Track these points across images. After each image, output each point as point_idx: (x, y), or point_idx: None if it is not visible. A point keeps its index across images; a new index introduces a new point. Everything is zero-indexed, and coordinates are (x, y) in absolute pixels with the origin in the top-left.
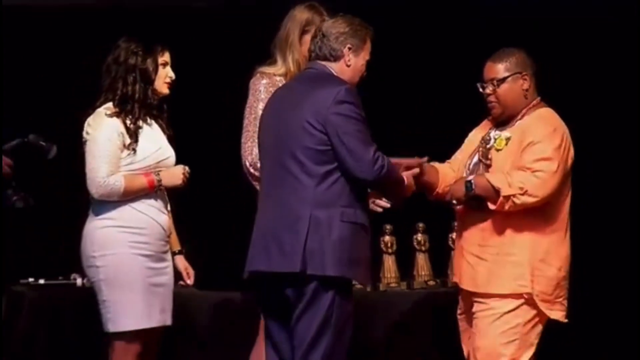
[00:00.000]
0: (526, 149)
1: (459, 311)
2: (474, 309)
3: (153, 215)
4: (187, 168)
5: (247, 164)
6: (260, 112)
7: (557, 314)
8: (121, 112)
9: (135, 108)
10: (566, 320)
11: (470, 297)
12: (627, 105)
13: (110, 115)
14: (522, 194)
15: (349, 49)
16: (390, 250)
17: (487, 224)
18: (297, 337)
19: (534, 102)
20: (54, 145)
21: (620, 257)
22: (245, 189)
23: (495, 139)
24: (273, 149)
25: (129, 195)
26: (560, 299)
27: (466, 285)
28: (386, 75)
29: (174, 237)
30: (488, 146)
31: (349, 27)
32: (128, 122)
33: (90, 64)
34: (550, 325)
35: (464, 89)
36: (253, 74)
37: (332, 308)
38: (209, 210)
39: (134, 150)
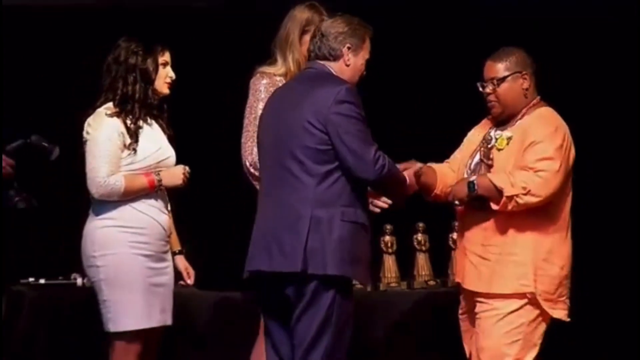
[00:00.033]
0: (528, 149)
1: (460, 311)
2: (477, 309)
3: (153, 215)
4: (187, 168)
5: (248, 163)
6: (260, 112)
7: (560, 313)
8: (121, 112)
9: (135, 108)
10: (569, 319)
11: (473, 297)
12: (627, 105)
13: (111, 115)
14: (525, 194)
15: (348, 48)
16: (390, 250)
17: (489, 224)
18: (297, 336)
19: (534, 101)
20: (57, 147)
21: (620, 256)
22: (245, 189)
23: (497, 139)
24: (273, 149)
25: (130, 195)
26: (563, 298)
27: (469, 285)
28: (386, 75)
29: (174, 237)
30: (489, 146)
31: (348, 26)
32: (128, 122)
33: (90, 64)
34: (550, 325)
35: (463, 89)
36: (253, 73)
37: (332, 307)
38: (209, 210)
39: (135, 150)
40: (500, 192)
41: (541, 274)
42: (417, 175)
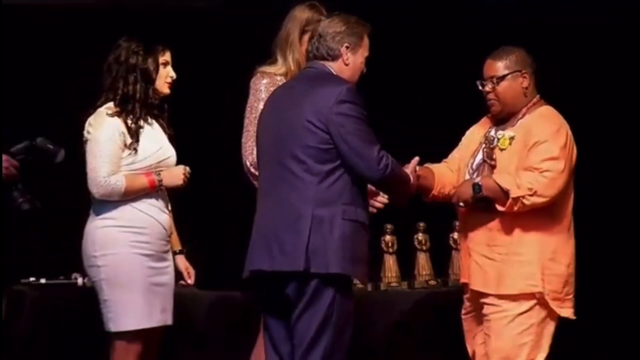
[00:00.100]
0: (532, 149)
1: (463, 311)
2: (485, 311)
3: (154, 214)
4: (187, 168)
5: (248, 163)
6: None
7: (568, 311)
8: (122, 111)
9: (136, 108)
10: (575, 318)
11: (479, 297)
12: (627, 105)
13: (112, 115)
14: (532, 195)
15: (347, 47)
16: (391, 250)
17: (494, 224)
18: (297, 336)
19: (534, 100)
20: (62, 149)
21: (620, 256)
22: (245, 189)
23: (499, 139)
24: (272, 148)
25: (130, 195)
26: (570, 297)
27: (475, 285)
28: (386, 75)
29: (175, 236)
30: (492, 146)
31: (345, 25)
32: (129, 121)
33: (90, 64)
34: (558, 324)
35: (463, 89)
36: (253, 73)
37: (332, 306)
38: (209, 210)
39: (135, 150)
40: (506, 193)
41: (548, 273)
42: (416, 177)
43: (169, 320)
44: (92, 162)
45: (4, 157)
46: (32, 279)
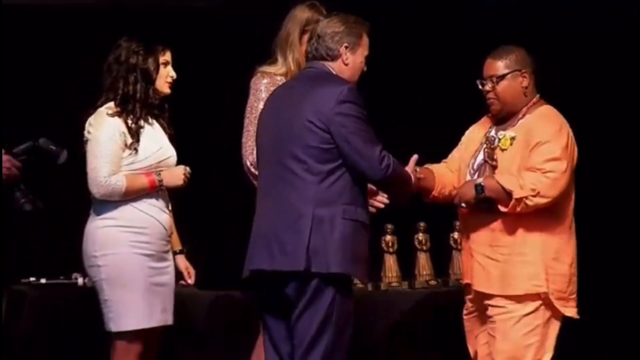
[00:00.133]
0: (534, 150)
1: (465, 311)
2: (490, 312)
3: (154, 214)
4: (188, 168)
5: (248, 163)
6: None
7: (572, 311)
8: (123, 111)
9: (136, 108)
10: (578, 317)
11: (483, 298)
12: (627, 105)
13: (112, 115)
14: (535, 196)
15: (346, 47)
16: (391, 250)
17: (496, 224)
18: (297, 335)
19: (534, 99)
20: (64, 150)
21: (621, 256)
22: (245, 189)
23: (500, 139)
24: (272, 148)
25: (130, 195)
26: (573, 296)
27: (479, 286)
28: (386, 75)
29: (175, 236)
30: (493, 146)
31: (344, 25)
32: (129, 121)
33: (90, 64)
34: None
35: (463, 89)
36: (254, 73)
37: (332, 306)
38: (209, 210)
39: (136, 149)
40: (509, 194)
41: (552, 272)
42: (416, 178)
43: (169, 320)
44: (92, 162)
45: (6, 157)
46: (32, 278)
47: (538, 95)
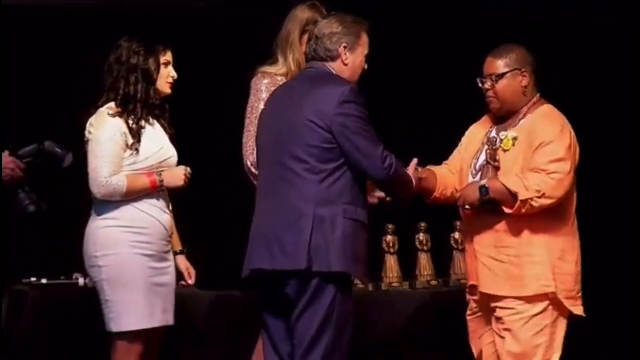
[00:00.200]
0: (537, 150)
1: (468, 312)
2: (498, 314)
3: (155, 214)
4: (188, 169)
5: (249, 163)
6: None
7: (579, 309)
8: (123, 111)
9: (137, 108)
10: (584, 315)
11: (489, 299)
12: (627, 105)
13: (113, 115)
14: (540, 197)
15: (345, 47)
16: (392, 250)
17: (501, 225)
18: (298, 335)
19: (534, 99)
20: (69, 153)
21: (621, 256)
22: (245, 189)
23: (502, 140)
24: (272, 148)
25: (131, 195)
26: (579, 294)
27: (486, 288)
28: (386, 75)
29: (176, 236)
30: (494, 147)
31: (341, 25)
32: (130, 121)
33: (90, 64)
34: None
35: (463, 89)
36: (254, 73)
37: (333, 305)
38: (209, 210)
39: (137, 150)
40: (514, 195)
41: (558, 272)
42: (417, 178)
43: (170, 320)
44: (93, 162)
45: (11, 159)
46: (33, 279)
47: (538, 95)
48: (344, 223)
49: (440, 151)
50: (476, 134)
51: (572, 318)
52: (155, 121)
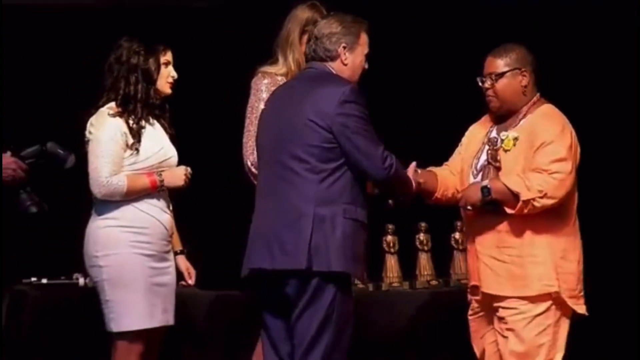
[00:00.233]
0: (539, 150)
1: (470, 312)
2: (501, 314)
3: (155, 214)
4: (189, 169)
5: (249, 163)
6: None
7: (582, 308)
8: (124, 111)
9: (137, 108)
10: (587, 314)
11: (492, 299)
12: (627, 105)
13: (113, 115)
14: (542, 197)
15: (344, 47)
16: (392, 250)
17: (503, 226)
18: (298, 335)
19: (534, 99)
20: (72, 154)
21: (621, 256)
22: (245, 189)
23: (503, 140)
24: (273, 148)
25: (132, 195)
26: (582, 293)
27: (489, 288)
28: (386, 75)
29: (176, 237)
30: (496, 147)
31: (341, 25)
32: (131, 122)
33: (90, 64)
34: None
35: (463, 89)
36: (254, 73)
37: (333, 305)
38: (209, 210)
39: (137, 150)
40: (516, 196)
41: (561, 272)
42: (417, 182)
43: (170, 321)
44: (93, 162)
45: (13, 159)
46: (33, 279)
47: (538, 94)
48: (344, 223)
49: (440, 151)
50: (476, 134)
51: (574, 318)
52: (155, 121)
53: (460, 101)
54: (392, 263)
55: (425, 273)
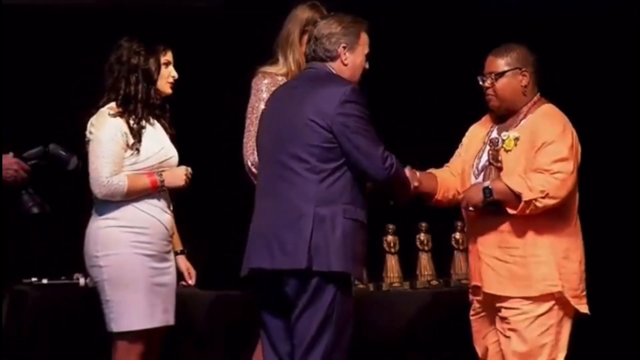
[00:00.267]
0: (540, 150)
1: (472, 312)
2: (504, 314)
3: (156, 214)
4: (189, 169)
5: (249, 163)
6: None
7: (585, 307)
8: (124, 112)
9: (138, 108)
10: (589, 314)
11: (494, 300)
12: (627, 105)
13: (114, 115)
14: (544, 197)
15: (344, 47)
16: (393, 250)
17: (505, 226)
18: (298, 335)
19: (535, 99)
20: (74, 156)
21: (621, 256)
22: (245, 189)
23: (504, 140)
24: (273, 148)
25: (132, 196)
26: (584, 293)
27: (491, 289)
28: (386, 75)
29: (176, 237)
30: (497, 148)
31: (340, 26)
32: (131, 122)
33: (90, 64)
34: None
35: (464, 89)
36: (255, 73)
37: (333, 305)
38: (209, 210)
39: (138, 150)
40: (518, 196)
41: (564, 272)
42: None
43: (171, 321)
44: (94, 163)
45: (15, 160)
46: (34, 279)
47: (539, 94)
48: (344, 223)
49: (440, 151)
50: (477, 134)
51: (575, 318)
52: (155, 121)
53: (460, 101)
54: (392, 263)
55: (426, 273)
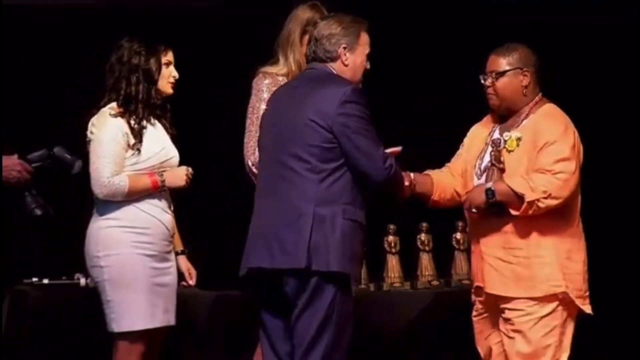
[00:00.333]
0: (542, 151)
1: (474, 313)
2: (507, 315)
3: (157, 215)
4: (190, 169)
5: (250, 163)
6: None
7: (588, 307)
8: (125, 112)
9: (139, 108)
10: (592, 314)
11: (496, 300)
12: (627, 105)
13: (115, 115)
14: (546, 198)
15: (344, 48)
16: (393, 250)
17: (508, 227)
18: (297, 335)
19: (536, 99)
20: (79, 160)
21: (621, 256)
22: (245, 189)
23: (506, 140)
24: (273, 148)
25: (133, 196)
26: (587, 293)
27: (494, 289)
28: (386, 75)
29: (177, 237)
30: (499, 148)
31: (340, 26)
32: (132, 122)
33: (90, 64)
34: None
35: (464, 89)
36: (256, 73)
37: (333, 305)
38: (209, 210)
39: (138, 150)
40: (520, 197)
41: (567, 272)
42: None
43: (171, 321)
44: (95, 163)
45: (18, 161)
46: (34, 279)
47: (540, 94)
48: (343, 223)
49: (440, 151)
50: (478, 134)
51: (577, 318)
52: (156, 121)
53: (460, 101)
54: (393, 263)
55: (427, 273)
